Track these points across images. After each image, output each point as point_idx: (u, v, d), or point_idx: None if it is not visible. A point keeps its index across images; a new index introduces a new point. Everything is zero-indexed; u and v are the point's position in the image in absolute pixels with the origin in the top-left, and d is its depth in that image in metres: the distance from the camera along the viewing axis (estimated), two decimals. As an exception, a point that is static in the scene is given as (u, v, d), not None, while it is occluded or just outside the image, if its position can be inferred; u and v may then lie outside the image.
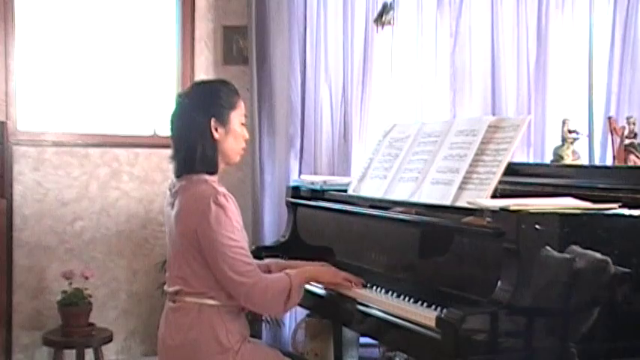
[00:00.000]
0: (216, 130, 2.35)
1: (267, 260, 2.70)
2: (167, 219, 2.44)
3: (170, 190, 2.43)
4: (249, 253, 2.31)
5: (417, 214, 2.48)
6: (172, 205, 2.38)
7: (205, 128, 2.33)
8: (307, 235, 3.09)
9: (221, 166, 2.40)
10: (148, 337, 4.34)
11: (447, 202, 2.30)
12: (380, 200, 2.65)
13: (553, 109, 4.67)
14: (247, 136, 2.46)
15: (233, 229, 2.26)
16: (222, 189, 2.32)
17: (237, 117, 2.40)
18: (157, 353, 2.46)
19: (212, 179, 2.36)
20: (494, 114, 4.48)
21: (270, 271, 2.56)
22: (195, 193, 2.29)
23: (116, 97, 4.43)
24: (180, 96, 2.46)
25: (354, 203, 2.79)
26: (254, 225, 4.26)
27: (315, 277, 2.46)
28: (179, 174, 2.38)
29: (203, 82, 2.71)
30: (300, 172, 4.37)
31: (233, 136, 2.38)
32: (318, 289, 2.56)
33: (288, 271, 2.37)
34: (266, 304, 2.31)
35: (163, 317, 2.44)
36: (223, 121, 2.36)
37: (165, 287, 2.45)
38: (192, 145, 2.33)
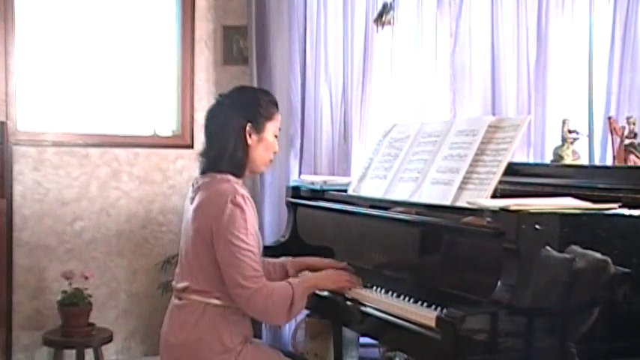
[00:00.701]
0: (250, 135, 2.39)
1: (282, 259, 2.70)
2: (185, 213, 2.46)
3: (193, 185, 2.45)
4: (258, 259, 2.30)
5: (417, 214, 2.48)
6: (193, 199, 2.40)
7: (240, 130, 2.38)
8: (307, 235, 3.09)
9: (246, 172, 2.44)
10: (148, 337, 4.34)
11: (447, 202, 2.30)
12: (380, 200, 2.65)
13: (553, 109, 4.66)
14: (277, 149, 2.49)
15: (246, 232, 2.26)
16: (243, 191, 2.34)
17: (273, 128, 2.44)
18: (159, 350, 2.47)
19: (235, 180, 2.38)
20: (494, 114, 4.48)
21: (286, 270, 2.61)
22: (216, 191, 2.31)
23: (116, 97, 4.43)
24: (220, 95, 2.50)
25: (354, 203, 2.79)
26: (254, 225, 4.26)
27: (318, 285, 2.45)
28: (205, 171, 2.41)
29: (245, 87, 2.81)
30: (300, 172, 4.37)
31: (264, 145, 2.43)
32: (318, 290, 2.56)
33: (291, 280, 2.38)
34: (267, 312, 2.28)
35: (168, 314, 2.45)
36: (258, 128, 2.40)
37: (173, 283, 2.46)
38: (225, 144, 2.37)
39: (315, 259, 2.70)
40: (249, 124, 2.39)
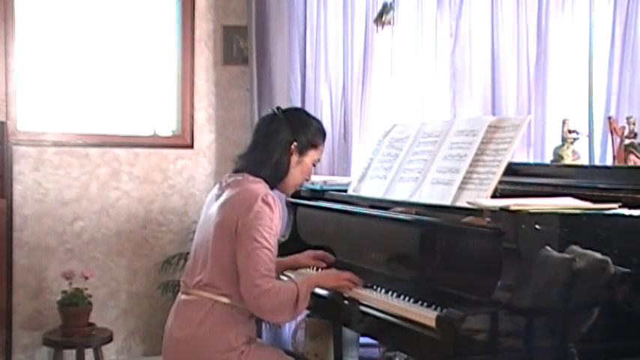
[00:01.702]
0: (292, 154, 2.47)
1: None
2: (207, 208, 2.49)
3: (221, 183, 2.49)
4: (274, 260, 2.34)
5: (417, 214, 2.48)
6: (219, 196, 2.43)
7: (287, 145, 2.46)
8: (307, 235, 3.09)
9: (278, 186, 2.50)
10: (148, 337, 4.34)
11: (447, 202, 2.30)
12: (380, 200, 2.65)
13: (553, 109, 4.66)
14: (310, 177, 2.58)
15: (271, 232, 2.31)
16: (273, 193, 2.40)
17: (314, 156, 2.53)
18: (163, 345, 2.46)
19: (266, 185, 2.43)
20: (494, 114, 4.47)
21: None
22: (248, 189, 2.36)
23: (116, 97, 4.43)
24: (278, 108, 2.56)
25: (354, 203, 2.79)
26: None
27: (319, 284, 2.47)
28: (241, 170, 2.45)
29: (301, 110, 2.95)
30: (300, 172, 4.36)
31: (302, 168, 2.51)
32: (318, 289, 2.55)
33: (295, 279, 2.43)
34: (274, 312, 2.31)
35: (173, 309, 2.47)
36: (301, 151, 2.49)
37: (183, 278, 2.48)
38: (271, 153, 2.44)
39: (291, 257, 2.75)
40: (295, 143, 2.47)
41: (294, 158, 2.47)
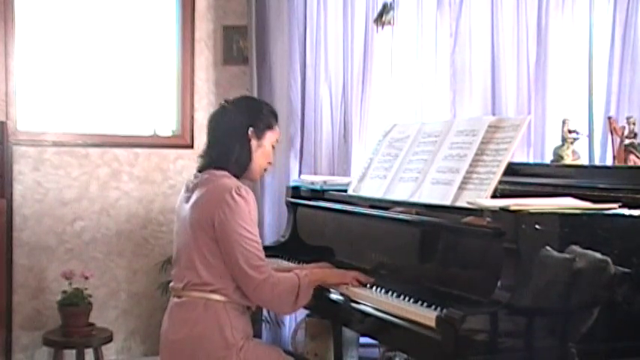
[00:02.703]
0: (251, 140, 2.49)
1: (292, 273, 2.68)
2: (179, 212, 2.50)
3: (187, 186, 2.50)
4: (262, 249, 2.36)
5: (417, 214, 2.48)
6: (188, 199, 2.45)
7: (244, 133, 2.49)
8: (307, 235, 3.09)
9: (244, 175, 2.51)
10: (148, 337, 4.34)
11: (447, 202, 2.30)
12: (380, 200, 2.65)
13: (553, 109, 4.66)
14: (272, 159, 2.60)
15: (251, 223, 2.34)
16: (242, 183, 2.41)
17: (272, 137, 2.56)
18: (159, 349, 2.47)
19: (234, 177, 2.45)
20: (494, 114, 4.47)
21: None
22: (218, 185, 2.38)
23: (116, 97, 4.43)
24: (225, 101, 2.59)
25: (354, 203, 2.79)
26: (254, 225, 4.26)
27: (324, 280, 2.48)
28: (205, 168, 2.47)
29: (248, 96, 2.96)
30: (300, 172, 4.37)
31: (262, 151, 2.53)
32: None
33: (297, 271, 2.43)
34: (274, 301, 2.37)
35: (167, 313, 2.47)
36: (259, 135, 2.51)
37: (172, 284, 2.48)
38: (229, 146, 2.47)
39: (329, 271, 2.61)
40: (251, 128, 2.49)
41: (254, 143, 2.50)
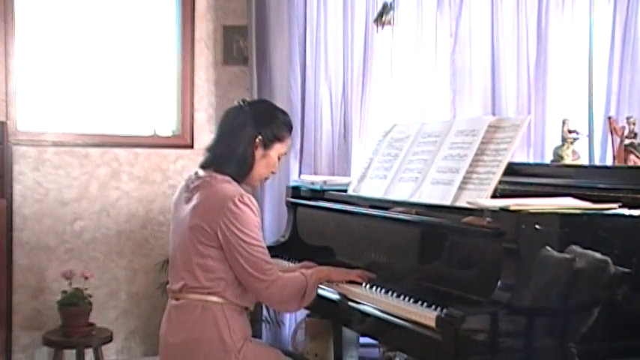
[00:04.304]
0: (256, 148, 2.45)
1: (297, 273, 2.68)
2: (176, 213, 2.48)
3: (188, 185, 2.47)
4: (267, 252, 2.37)
5: (417, 214, 2.48)
6: (189, 199, 2.42)
7: (251, 139, 2.44)
8: (307, 235, 3.09)
9: (244, 180, 2.49)
10: (148, 337, 4.34)
11: (447, 202, 2.30)
12: (380, 200, 2.65)
13: (553, 109, 4.66)
14: (276, 169, 2.56)
15: (255, 229, 2.34)
16: (243, 190, 2.41)
17: (280, 149, 2.51)
18: (159, 352, 2.47)
19: (235, 183, 2.43)
20: (494, 114, 4.47)
21: None
22: (220, 191, 2.36)
23: (116, 97, 4.43)
24: (244, 101, 2.54)
25: (354, 203, 2.79)
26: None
27: (329, 277, 2.50)
28: (208, 165, 2.45)
29: (267, 102, 2.86)
30: (300, 172, 4.37)
31: (267, 161, 2.49)
32: (318, 289, 2.55)
33: (303, 270, 2.45)
34: (283, 302, 2.39)
35: (165, 316, 2.46)
36: (266, 145, 2.47)
37: (169, 286, 2.47)
38: (235, 147, 2.43)
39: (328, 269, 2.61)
40: (259, 137, 2.45)
41: (259, 152, 2.46)
